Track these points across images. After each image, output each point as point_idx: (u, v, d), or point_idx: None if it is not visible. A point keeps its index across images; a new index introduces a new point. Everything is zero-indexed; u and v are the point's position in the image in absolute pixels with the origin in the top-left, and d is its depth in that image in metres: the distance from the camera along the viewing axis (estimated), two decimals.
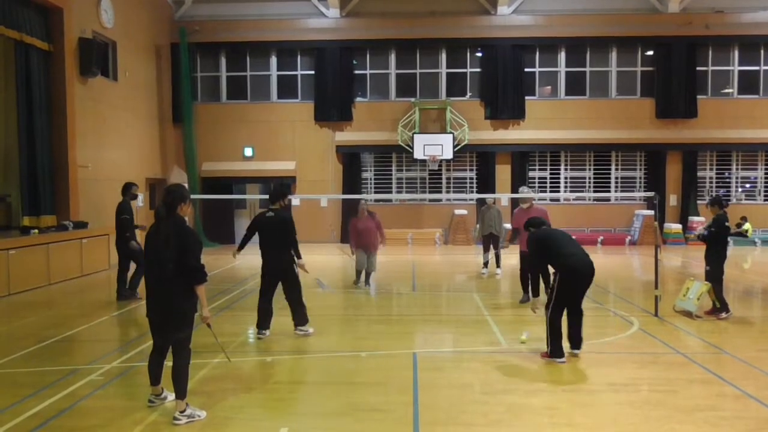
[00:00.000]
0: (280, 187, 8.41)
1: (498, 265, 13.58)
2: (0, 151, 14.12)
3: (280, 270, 7.69)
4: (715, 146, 21.01)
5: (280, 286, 7.77)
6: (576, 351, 6.86)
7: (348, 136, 21.08)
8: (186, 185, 7.40)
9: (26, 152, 13.60)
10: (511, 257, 15.53)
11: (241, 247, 8.07)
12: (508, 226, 20.09)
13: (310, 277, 10.62)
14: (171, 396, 5.26)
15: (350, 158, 21.14)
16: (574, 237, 7.20)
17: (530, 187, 20.02)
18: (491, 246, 13.47)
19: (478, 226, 13.79)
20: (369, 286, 11.78)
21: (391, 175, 21.64)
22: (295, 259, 7.79)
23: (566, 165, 21.50)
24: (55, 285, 12.33)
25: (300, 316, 7.89)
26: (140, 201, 17.97)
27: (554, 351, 6.65)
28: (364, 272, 11.74)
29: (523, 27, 20.67)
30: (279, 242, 7.63)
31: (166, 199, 5.01)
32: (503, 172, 20.99)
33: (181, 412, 4.95)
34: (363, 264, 11.62)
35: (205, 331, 5.41)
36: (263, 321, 7.77)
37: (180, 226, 4.96)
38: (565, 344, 6.78)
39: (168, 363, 5.20)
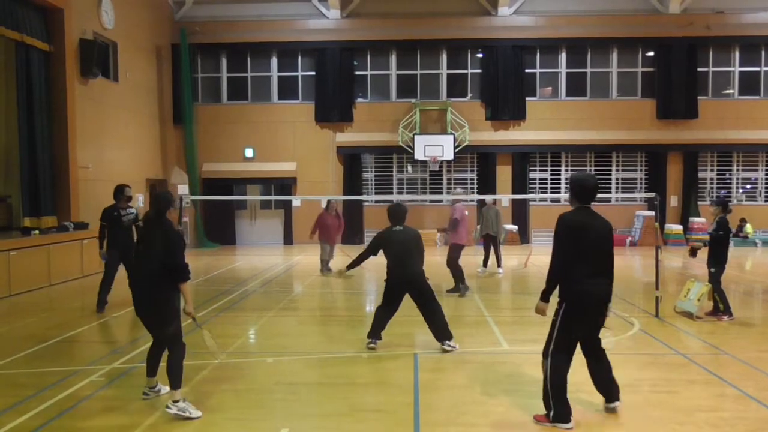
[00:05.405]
0: (401, 206, 7.51)
1: (499, 265, 13.83)
2: (0, 152, 14.15)
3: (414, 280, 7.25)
4: (716, 147, 21.00)
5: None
6: (612, 404, 5.12)
7: (348, 136, 21.09)
8: (186, 186, 7.38)
9: (27, 153, 13.60)
10: (513, 258, 15.51)
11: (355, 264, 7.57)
12: (509, 227, 20.34)
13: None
14: (165, 389, 5.40)
15: (351, 159, 21.15)
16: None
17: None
18: (490, 246, 13.72)
19: (479, 227, 13.91)
20: (330, 271, 13.47)
21: (391, 175, 21.65)
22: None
23: (567, 166, 21.49)
24: (56, 286, 12.34)
25: (444, 329, 7.18)
26: (140, 202, 17.99)
27: (557, 414, 4.80)
28: (324, 261, 13.67)
29: (524, 28, 20.68)
30: (412, 254, 7.26)
31: (156, 205, 5.36)
32: (504, 173, 20.98)
33: (174, 401, 5.06)
34: (326, 254, 13.60)
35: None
36: (378, 331, 7.34)
37: (167, 229, 5.26)
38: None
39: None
